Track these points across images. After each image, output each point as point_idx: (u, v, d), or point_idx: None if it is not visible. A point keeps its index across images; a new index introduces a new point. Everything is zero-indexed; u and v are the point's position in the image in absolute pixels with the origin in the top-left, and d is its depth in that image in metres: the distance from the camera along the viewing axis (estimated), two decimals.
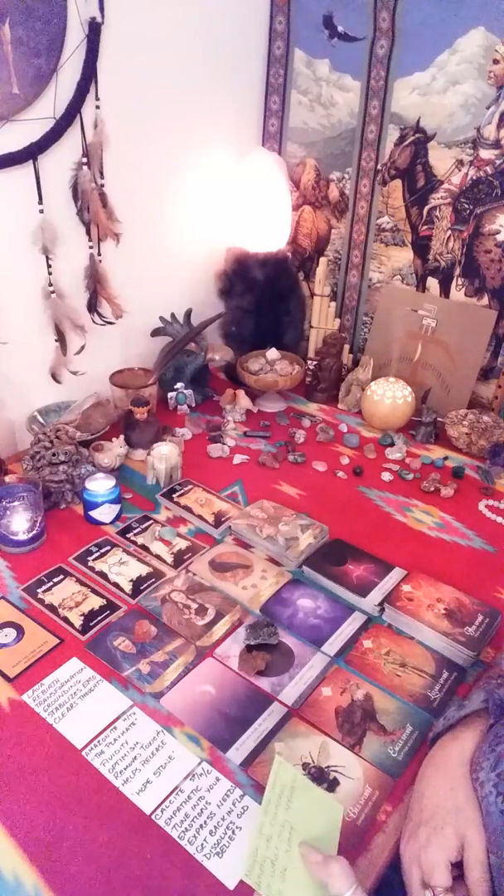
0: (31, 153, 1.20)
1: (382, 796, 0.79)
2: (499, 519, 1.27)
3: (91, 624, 1.00)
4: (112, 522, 1.21)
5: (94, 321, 1.46)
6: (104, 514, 1.20)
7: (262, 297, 1.65)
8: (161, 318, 1.60)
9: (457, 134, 1.39)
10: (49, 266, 1.32)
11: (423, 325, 1.56)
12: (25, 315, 1.34)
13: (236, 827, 0.76)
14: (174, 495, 1.28)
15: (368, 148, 1.53)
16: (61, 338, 1.40)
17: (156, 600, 1.04)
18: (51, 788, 0.79)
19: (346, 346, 1.68)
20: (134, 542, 1.17)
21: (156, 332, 1.61)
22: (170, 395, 1.59)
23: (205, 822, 0.76)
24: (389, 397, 1.49)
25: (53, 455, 1.20)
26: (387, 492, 1.34)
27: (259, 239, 1.62)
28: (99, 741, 0.84)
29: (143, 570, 1.11)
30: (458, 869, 0.68)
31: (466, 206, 1.44)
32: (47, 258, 1.31)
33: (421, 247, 1.55)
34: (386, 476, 1.38)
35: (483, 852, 0.67)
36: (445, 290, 1.55)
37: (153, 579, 1.09)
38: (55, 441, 1.22)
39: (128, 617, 1.02)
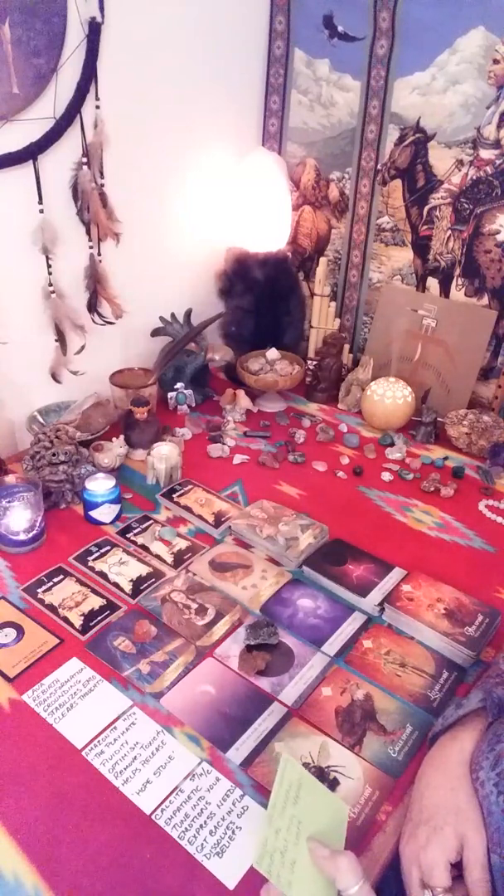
0: (31, 153, 1.20)
1: (382, 796, 0.79)
2: (499, 519, 1.27)
3: (91, 624, 1.00)
4: (112, 522, 1.21)
5: (94, 321, 1.46)
6: (104, 514, 1.20)
7: (262, 297, 1.65)
8: (161, 318, 1.60)
9: (457, 134, 1.39)
10: (49, 266, 1.32)
11: (423, 324, 1.56)
12: (25, 315, 1.34)
13: (236, 827, 0.76)
14: (174, 495, 1.28)
15: (368, 148, 1.53)
16: (61, 338, 1.40)
17: (156, 600, 1.05)
18: (51, 788, 0.79)
19: (346, 346, 1.68)
20: (134, 542, 1.17)
21: (156, 332, 1.61)
22: (170, 395, 1.59)
23: (205, 822, 0.76)
24: (389, 397, 1.49)
25: (53, 455, 1.20)
26: (387, 492, 1.34)
27: (259, 239, 1.62)
28: (99, 741, 0.84)
29: (143, 570, 1.11)
30: (457, 869, 0.68)
31: (466, 205, 1.44)
32: (47, 258, 1.31)
33: (421, 247, 1.55)
34: (386, 476, 1.38)
35: (483, 852, 0.67)
36: (445, 290, 1.55)
37: (153, 579, 1.09)
38: (55, 441, 1.22)
39: (128, 617, 1.02)
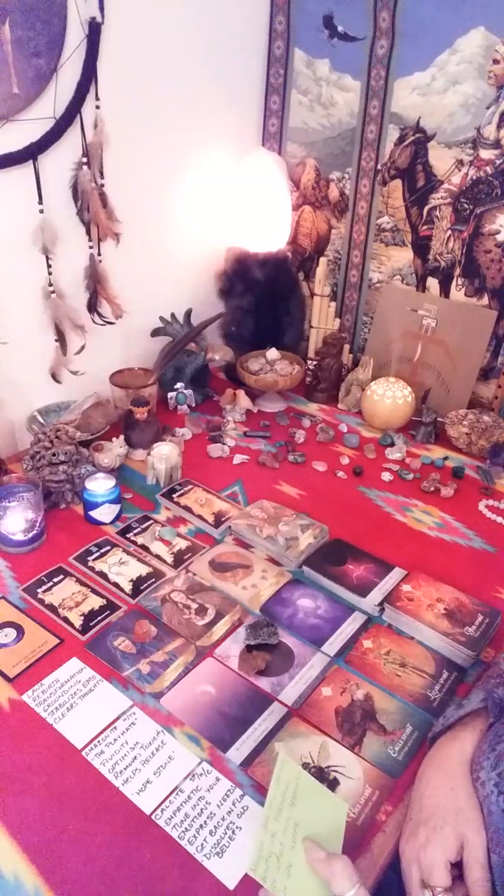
0: (31, 153, 1.20)
1: (382, 796, 0.79)
2: (499, 519, 1.27)
3: (91, 624, 1.00)
4: (112, 522, 1.21)
5: (94, 321, 1.46)
6: (104, 514, 1.20)
7: (262, 297, 1.65)
8: (161, 318, 1.60)
9: (457, 134, 1.39)
10: (49, 266, 1.32)
11: (423, 325, 1.56)
12: (25, 315, 1.34)
13: (236, 827, 0.76)
14: (174, 495, 1.28)
15: (368, 148, 1.53)
16: (61, 338, 1.40)
17: (156, 600, 1.04)
18: (51, 788, 0.79)
19: (346, 346, 1.68)
20: (134, 542, 1.17)
21: (156, 332, 1.61)
22: (170, 395, 1.59)
23: (205, 822, 0.76)
24: (389, 397, 1.49)
25: (53, 455, 1.20)
26: (387, 492, 1.34)
27: (259, 239, 1.62)
28: (99, 741, 0.84)
29: (143, 570, 1.11)
30: (457, 869, 0.68)
31: (466, 206, 1.44)
32: (47, 258, 1.31)
33: (421, 247, 1.55)
34: (386, 476, 1.38)
35: (483, 852, 0.67)
36: (445, 290, 1.55)
37: (153, 579, 1.09)
38: (55, 441, 1.22)
39: (128, 617, 1.02)
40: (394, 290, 1.62)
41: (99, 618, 1.01)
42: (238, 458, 1.41)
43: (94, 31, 1.21)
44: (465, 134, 1.38)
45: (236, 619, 1.02)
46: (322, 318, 1.67)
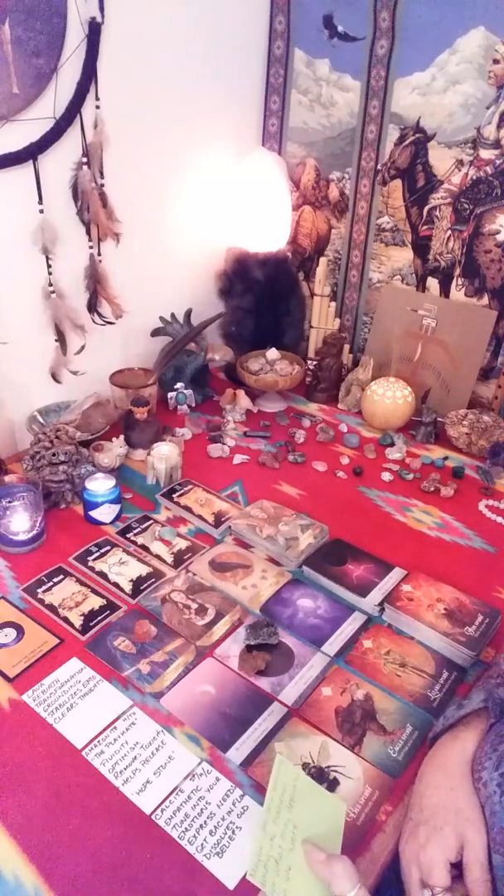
0: (31, 153, 1.20)
1: (382, 796, 0.79)
2: (499, 519, 1.27)
3: (91, 624, 1.00)
4: (112, 522, 1.21)
5: (94, 321, 1.46)
6: (104, 514, 1.20)
7: (262, 297, 1.65)
8: (161, 318, 1.60)
9: (457, 134, 1.39)
10: (49, 266, 1.32)
11: (423, 325, 1.56)
12: (25, 315, 1.34)
13: (236, 827, 0.76)
14: (174, 495, 1.28)
15: (368, 148, 1.53)
16: (61, 338, 1.40)
17: (156, 600, 1.04)
18: (51, 788, 0.79)
19: (346, 346, 1.68)
20: (134, 542, 1.17)
21: (156, 332, 1.61)
22: (170, 395, 1.59)
23: (205, 822, 0.76)
24: (389, 397, 1.49)
25: (53, 455, 1.20)
26: (387, 492, 1.34)
27: (259, 239, 1.62)
28: (99, 741, 0.84)
29: (143, 570, 1.11)
30: (457, 869, 0.68)
31: (466, 206, 1.44)
32: (47, 258, 1.31)
33: (421, 247, 1.55)
34: (386, 476, 1.38)
35: (483, 852, 0.67)
36: (445, 290, 1.55)
37: (153, 579, 1.09)
38: (55, 441, 1.22)
39: (128, 617, 1.02)
40: (394, 290, 1.62)
41: (99, 618, 1.01)
42: (238, 458, 1.41)
43: (94, 31, 1.21)
44: (465, 134, 1.38)
45: (236, 619, 1.02)
46: (322, 318, 1.67)
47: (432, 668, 0.95)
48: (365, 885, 0.65)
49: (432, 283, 1.56)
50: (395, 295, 1.61)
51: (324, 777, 0.81)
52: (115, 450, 1.31)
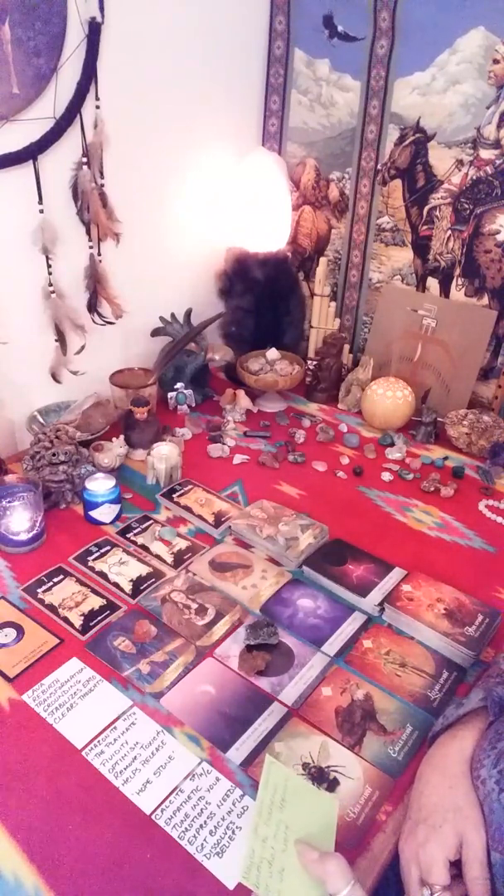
0: (31, 153, 1.20)
1: (382, 796, 0.79)
2: (499, 519, 1.27)
3: (91, 624, 1.00)
4: (112, 522, 1.21)
5: (94, 321, 1.46)
6: (104, 514, 1.20)
7: (262, 297, 1.65)
8: (161, 318, 1.60)
9: (457, 134, 1.39)
10: (49, 266, 1.32)
11: (423, 325, 1.56)
12: (25, 315, 1.34)
13: (236, 827, 0.76)
14: (174, 495, 1.28)
15: (368, 148, 1.53)
16: (61, 338, 1.40)
17: (156, 600, 1.05)
18: (51, 788, 0.79)
19: (346, 346, 1.68)
20: (134, 542, 1.17)
21: (156, 332, 1.61)
22: (170, 395, 1.59)
23: (205, 822, 0.76)
24: (389, 397, 1.49)
25: (53, 455, 1.20)
26: (387, 492, 1.34)
27: (259, 239, 1.62)
28: (99, 741, 0.84)
29: (143, 570, 1.11)
30: (456, 867, 0.68)
31: (466, 205, 1.44)
32: (47, 258, 1.31)
33: (421, 247, 1.55)
34: (386, 476, 1.38)
35: (482, 850, 0.67)
36: (445, 290, 1.55)
37: (153, 579, 1.09)
38: (55, 441, 1.22)
39: (128, 617, 1.02)
40: (394, 290, 1.62)
41: (99, 618, 1.01)
42: (238, 458, 1.41)
43: (94, 31, 1.21)
44: (465, 134, 1.38)
45: (236, 619, 1.02)
46: (322, 318, 1.67)
47: (432, 668, 0.95)
48: (364, 884, 0.65)
49: (432, 283, 1.56)
50: (395, 295, 1.61)
51: (324, 777, 0.81)
52: (115, 450, 1.31)
